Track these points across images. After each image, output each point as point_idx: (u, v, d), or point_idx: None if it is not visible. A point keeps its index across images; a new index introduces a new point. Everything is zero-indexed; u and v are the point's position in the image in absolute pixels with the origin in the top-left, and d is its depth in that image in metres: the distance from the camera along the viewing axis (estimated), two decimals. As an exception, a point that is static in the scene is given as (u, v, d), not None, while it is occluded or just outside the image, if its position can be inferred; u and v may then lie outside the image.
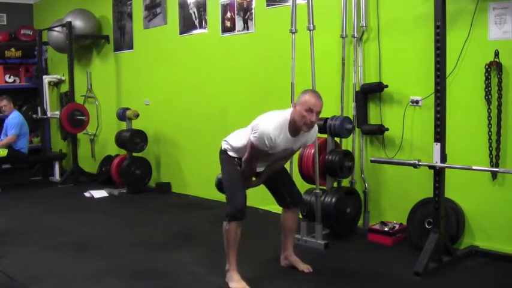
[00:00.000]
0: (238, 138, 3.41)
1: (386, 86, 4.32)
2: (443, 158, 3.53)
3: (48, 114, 7.77)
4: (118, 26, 7.20)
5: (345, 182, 4.52)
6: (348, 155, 4.31)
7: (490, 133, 3.74)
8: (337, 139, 4.40)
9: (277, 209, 3.79)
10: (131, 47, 7.02)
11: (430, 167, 3.57)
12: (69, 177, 7.22)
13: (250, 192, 3.42)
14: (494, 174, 3.76)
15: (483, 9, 3.74)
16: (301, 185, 4.44)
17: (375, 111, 4.48)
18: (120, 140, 6.48)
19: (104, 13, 7.43)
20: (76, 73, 7.41)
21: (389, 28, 4.35)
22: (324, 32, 4.48)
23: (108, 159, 7.02)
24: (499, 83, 3.69)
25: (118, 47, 7.25)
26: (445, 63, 3.57)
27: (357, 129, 4.51)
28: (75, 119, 7.12)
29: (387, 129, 4.35)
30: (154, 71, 6.69)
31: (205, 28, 5.94)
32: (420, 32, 4.08)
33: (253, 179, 3.49)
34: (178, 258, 3.95)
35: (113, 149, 6.94)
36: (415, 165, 3.62)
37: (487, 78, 3.72)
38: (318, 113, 3.16)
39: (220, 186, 3.51)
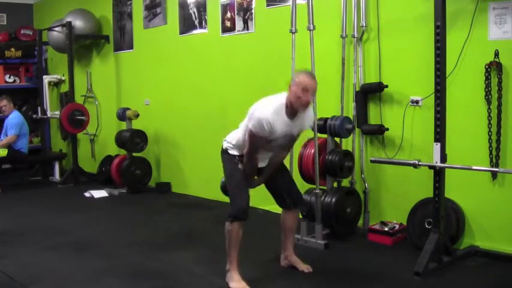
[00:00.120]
0: (237, 135, 3.41)
1: (387, 86, 4.33)
2: (443, 158, 3.53)
3: (48, 114, 7.77)
4: (118, 26, 7.20)
5: (345, 182, 4.52)
6: (348, 155, 4.31)
7: (490, 133, 3.74)
8: (337, 139, 4.40)
9: (277, 209, 3.79)
10: (131, 47, 7.02)
11: (430, 167, 3.57)
12: (69, 177, 7.22)
13: (250, 192, 3.41)
14: (494, 174, 3.76)
15: (483, 9, 3.74)
16: (301, 185, 4.44)
17: (375, 111, 4.48)
18: (120, 140, 6.48)
19: (104, 13, 7.43)
20: (76, 73, 7.41)
21: (389, 28, 4.35)
22: (324, 32, 4.48)
23: (108, 159, 7.02)
24: (499, 83, 3.69)
25: (118, 47, 7.25)
26: (445, 63, 3.57)
27: (357, 129, 4.51)
28: (75, 119, 7.12)
29: (387, 129, 4.35)
30: (154, 71, 6.69)
31: (205, 28, 5.94)
32: (420, 32, 4.08)
33: (256, 177, 3.48)
34: (178, 258, 3.95)
35: (113, 149, 6.94)
36: (415, 165, 3.62)
37: (487, 78, 3.72)
38: (313, 92, 3.20)
39: (225, 189, 3.51)
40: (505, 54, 3.66)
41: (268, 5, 5.23)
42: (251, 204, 3.40)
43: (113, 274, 3.65)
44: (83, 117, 7.18)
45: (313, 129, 4.17)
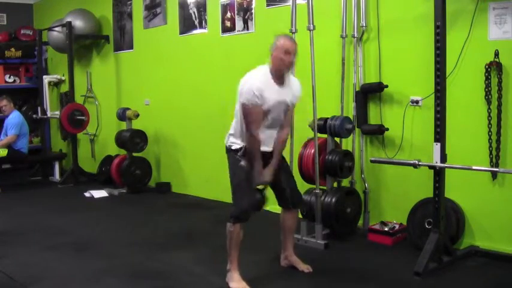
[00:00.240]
0: (234, 124, 3.40)
1: (387, 86, 4.33)
2: (443, 158, 3.53)
3: (48, 114, 7.77)
4: (118, 26, 7.21)
5: (345, 182, 4.52)
6: (348, 155, 4.31)
7: (490, 133, 3.74)
8: (337, 139, 4.40)
9: (277, 209, 3.79)
10: (131, 47, 7.02)
11: (430, 167, 3.57)
12: (69, 177, 7.22)
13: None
14: (494, 174, 3.76)
15: (483, 9, 3.74)
16: (301, 185, 4.44)
17: (375, 111, 4.48)
18: (120, 140, 6.48)
19: (104, 13, 7.43)
20: (76, 73, 7.41)
21: (389, 28, 4.35)
22: (324, 32, 4.48)
23: (108, 159, 7.02)
24: (499, 83, 3.69)
25: (118, 47, 7.25)
26: (445, 63, 3.57)
27: (357, 129, 4.51)
28: (75, 119, 7.12)
29: (387, 129, 4.35)
30: (154, 71, 6.69)
31: (205, 28, 5.94)
32: (420, 32, 4.08)
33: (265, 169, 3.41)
34: (178, 258, 3.95)
35: (113, 149, 6.94)
36: (415, 165, 3.62)
37: (487, 78, 3.72)
38: (294, 54, 3.30)
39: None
40: (505, 54, 3.66)
41: (268, 5, 5.23)
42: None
43: (113, 274, 3.65)
44: (83, 117, 7.18)
45: (313, 129, 4.17)
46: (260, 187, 3.40)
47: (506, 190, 3.74)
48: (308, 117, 4.33)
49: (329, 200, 4.19)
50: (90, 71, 7.77)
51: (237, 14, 5.52)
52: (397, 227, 4.20)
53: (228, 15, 5.62)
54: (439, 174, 3.55)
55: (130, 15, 6.97)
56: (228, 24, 5.64)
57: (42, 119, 7.91)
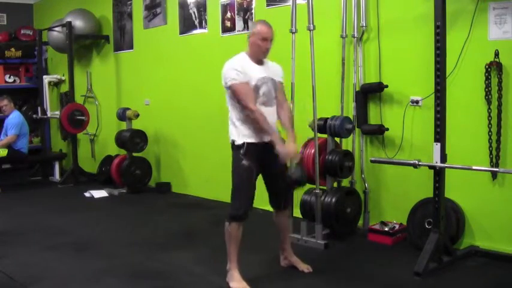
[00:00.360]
0: (231, 114, 3.38)
1: (387, 86, 4.32)
2: (443, 158, 3.53)
3: (48, 114, 7.77)
4: (118, 26, 7.21)
5: (345, 182, 4.52)
6: (348, 155, 4.31)
7: (490, 133, 3.74)
8: (337, 139, 4.40)
9: (277, 209, 3.79)
10: (131, 47, 7.02)
11: (430, 167, 3.57)
12: (69, 177, 7.22)
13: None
14: (494, 174, 3.76)
15: (483, 9, 3.74)
16: (301, 185, 4.45)
17: (375, 111, 4.48)
18: (120, 140, 6.48)
19: (104, 13, 7.43)
20: (76, 73, 7.41)
21: (389, 28, 4.35)
22: (324, 32, 4.48)
23: (108, 159, 7.02)
24: (499, 83, 3.69)
25: (118, 47, 7.25)
26: (445, 63, 3.57)
27: (357, 129, 4.51)
28: (75, 119, 7.12)
29: (387, 129, 4.35)
30: (154, 71, 6.69)
31: (205, 28, 5.94)
32: (420, 32, 4.08)
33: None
34: (178, 258, 3.95)
35: (113, 149, 6.94)
36: (415, 165, 3.62)
37: (487, 78, 3.72)
38: (271, 40, 3.38)
39: (295, 181, 3.42)
40: (505, 54, 3.66)
41: (268, 5, 5.23)
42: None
43: (113, 274, 3.65)
44: (83, 117, 7.19)
45: (313, 129, 4.17)
46: (294, 163, 3.34)
47: (506, 190, 3.74)
48: (308, 117, 4.33)
49: (329, 200, 4.19)
50: (90, 71, 7.77)
51: (237, 14, 5.52)
52: (397, 227, 4.20)
53: (228, 15, 5.62)
54: (439, 174, 3.55)
55: (130, 15, 6.97)
56: (228, 24, 5.64)
57: (42, 119, 7.91)
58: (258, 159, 3.33)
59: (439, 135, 3.53)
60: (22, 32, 8.58)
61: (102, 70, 7.59)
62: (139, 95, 6.91)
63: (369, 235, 4.28)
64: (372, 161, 3.99)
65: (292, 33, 4.27)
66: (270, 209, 4.06)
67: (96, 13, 7.44)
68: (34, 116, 7.85)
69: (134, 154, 6.51)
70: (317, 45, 4.20)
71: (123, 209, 5.81)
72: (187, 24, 6.14)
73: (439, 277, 3.43)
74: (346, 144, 4.55)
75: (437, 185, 3.56)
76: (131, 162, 6.45)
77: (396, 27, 4.30)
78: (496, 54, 3.68)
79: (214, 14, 5.78)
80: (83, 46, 7.61)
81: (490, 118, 3.74)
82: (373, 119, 4.50)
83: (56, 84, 8.32)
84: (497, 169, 3.61)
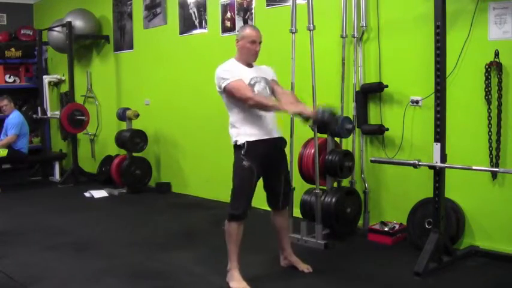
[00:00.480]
0: (231, 117, 3.39)
1: (387, 86, 4.32)
2: (443, 158, 3.53)
3: (48, 114, 7.77)
4: (118, 26, 7.20)
5: (345, 182, 4.52)
6: (348, 155, 4.31)
7: (490, 133, 3.74)
8: (337, 139, 4.40)
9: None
10: (131, 47, 7.02)
11: (430, 167, 3.57)
12: (69, 177, 7.22)
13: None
14: (494, 174, 3.76)
15: (483, 9, 3.74)
16: (301, 185, 4.45)
17: (375, 111, 4.48)
18: (120, 140, 6.48)
19: (104, 13, 7.43)
20: (76, 73, 7.41)
21: (389, 28, 4.35)
22: (324, 32, 4.48)
23: (108, 159, 7.02)
24: (499, 83, 3.69)
25: (118, 47, 7.25)
26: (445, 63, 3.57)
27: (357, 129, 4.51)
28: (75, 119, 7.12)
29: (387, 129, 4.35)
30: (154, 71, 6.69)
31: (205, 28, 5.94)
32: (420, 32, 4.08)
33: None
34: (178, 258, 3.95)
35: (113, 149, 6.94)
36: (415, 165, 3.62)
37: (487, 78, 3.72)
38: (260, 42, 3.42)
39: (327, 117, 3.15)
40: (505, 54, 3.66)
41: (268, 5, 5.23)
42: (252, 204, 3.40)
43: (113, 274, 3.65)
44: (83, 117, 7.19)
45: (313, 129, 4.17)
46: (327, 109, 3.13)
47: (506, 190, 3.74)
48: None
49: (329, 200, 4.18)
50: (90, 71, 7.77)
51: (237, 14, 5.52)
52: (397, 227, 4.20)
53: (228, 15, 5.62)
54: (439, 174, 3.55)
55: (130, 15, 6.97)
56: (228, 24, 5.64)
57: (42, 119, 7.91)
58: (260, 159, 3.33)
59: (439, 135, 3.53)
60: (22, 32, 8.58)
61: (102, 70, 7.59)
62: (139, 95, 6.91)
63: (369, 235, 4.28)
64: (372, 161, 3.99)
65: (292, 33, 4.27)
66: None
67: (96, 13, 7.44)
68: (34, 116, 7.85)
69: (134, 154, 6.51)
70: (317, 45, 4.20)
71: (123, 209, 5.81)
72: (187, 24, 6.14)
73: (439, 277, 3.43)
74: (346, 144, 4.55)
75: (437, 185, 3.56)
76: (131, 162, 6.45)
77: (396, 27, 4.30)
78: (496, 54, 3.67)
79: (214, 14, 5.78)
80: (83, 46, 7.61)
81: (490, 118, 3.73)
82: (373, 119, 4.50)
83: (56, 84, 8.32)
84: (497, 169, 3.61)
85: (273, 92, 3.46)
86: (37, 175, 7.85)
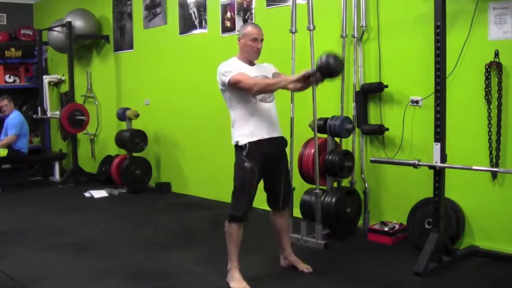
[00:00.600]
0: (233, 115, 3.38)
1: (387, 86, 4.32)
2: (443, 158, 3.53)
3: (48, 114, 7.77)
4: (118, 26, 7.21)
5: (345, 182, 4.52)
6: (348, 155, 4.31)
7: (490, 133, 3.74)
8: (337, 139, 4.40)
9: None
10: (131, 47, 7.02)
11: (430, 167, 3.57)
12: (69, 177, 7.22)
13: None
14: (494, 174, 3.76)
15: (483, 9, 3.74)
16: (301, 185, 4.46)
17: (375, 111, 4.48)
18: (120, 140, 6.48)
19: (104, 13, 7.43)
20: (76, 73, 7.41)
21: (389, 28, 4.35)
22: (324, 32, 4.48)
23: (108, 159, 7.02)
24: (499, 83, 3.69)
25: (118, 47, 7.25)
26: (445, 63, 3.57)
27: (357, 129, 4.51)
28: (75, 119, 7.12)
29: (387, 129, 4.35)
30: (154, 71, 6.69)
31: (205, 28, 5.94)
32: (420, 32, 4.08)
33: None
34: (178, 258, 3.95)
35: (113, 149, 6.94)
36: (415, 165, 3.62)
37: (487, 78, 3.72)
38: (262, 40, 3.41)
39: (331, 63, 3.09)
40: (505, 54, 3.66)
41: (268, 5, 5.23)
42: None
43: (113, 274, 3.65)
44: (83, 117, 7.19)
45: (313, 129, 4.17)
46: (330, 54, 3.08)
47: (506, 190, 3.74)
48: (308, 117, 4.33)
49: (329, 200, 4.18)
50: (90, 71, 7.78)
51: (237, 14, 5.52)
52: (397, 227, 4.20)
53: (228, 15, 5.62)
54: (439, 174, 3.55)
55: (130, 15, 6.97)
56: (228, 24, 5.64)
57: (42, 119, 7.91)
58: (261, 159, 3.32)
59: (439, 135, 3.53)
60: (22, 32, 8.58)
61: (102, 70, 7.59)
62: (139, 95, 6.91)
63: (369, 235, 4.28)
64: (372, 161, 3.99)
65: (292, 33, 4.27)
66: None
67: (96, 13, 7.44)
68: (34, 116, 7.85)
69: (134, 154, 6.51)
70: (317, 45, 4.19)
71: (123, 209, 5.81)
72: (187, 24, 6.14)
73: (439, 277, 3.43)
74: (346, 144, 4.55)
75: (437, 185, 3.56)
76: (131, 162, 6.45)
77: (396, 27, 4.30)
78: (496, 54, 3.67)
79: (214, 14, 5.78)
80: (83, 46, 7.62)
81: (490, 118, 3.74)
82: (373, 119, 4.50)
83: (56, 84, 8.32)
84: (497, 169, 3.61)
85: None
86: (37, 175, 7.86)
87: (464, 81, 3.88)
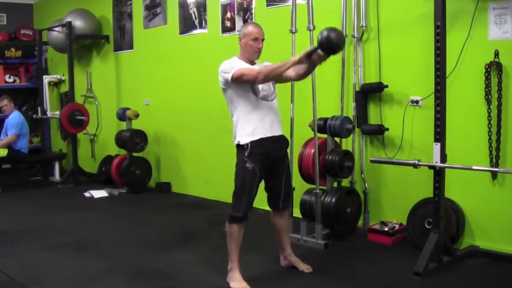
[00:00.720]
0: (235, 116, 3.37)
1: (387, 86, 4.33)
2: (443, 158, 3.53)
3: (48, 114, 7.77)
4: (118, 26, 7.21)
5: (345, 182, 4.52)
6: (348, 155, 4.31)
7: (490, 133, 3.74)
8: (337, 139, 4.40)
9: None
10: (131, 47, 7.02)
11: (430, 167, 3.57)
12: (69, 177, 7.22)
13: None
14: (494, 174, 3.76)
15: (483, 9, 3.74)
16: (301, 185, 4.46)
17: (375, 111, 4.48)
18: (120, 140, 6.48)
19: (104, 13, 7.43)
20: (76, 73, 7.41)
21: (389, 28, 4.35)
22: (324, 32, 4.47)
23: (108, 159, 7.02)
24: (499, 83, 3.69)
25: (118, 47, 7.25)
26: (445, 63, 3.57)
27: (357, 129, 4.51)
28: (75, 119, 7.12)
29: (387, 129, 4.35)
30: (154, 71, 6.69)
31: (205, 28, 5.94)
32: (420, 32, 4.08)
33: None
34: (178, 258, 3.95)
35: (113, 149, 6.94)
36: (415, 165, 3.62)
37: (487, 78, 3.72)
38: (263, 39, 3.41)
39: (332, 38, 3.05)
40: (505, 54, 3.66)
41: (268, 5, 5.23)
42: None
43: (113, 274, 3.65)
44: (83, 117, 7.19)
45: (313, 129, 4.17)
46: (331, 28, 3.06)
47: (506, 190, 3.74)
48: (308, 117, 4.33)
49: (329, 200, 4.19)
50: (90, 71, 7.78)
51: (237, 14, 5.52)
52: (397, 227, 4.20)
53: (228, 15, 5.62)
54: (439, 174, 3.55)
55: (130, 15, 6.97)
56: (228, 24, 5.64)
57: (42, 119, 7.91)
58: (262, 159, 3.32)
59: (439, 135, 3.53)
60: (22, 32, 8.59)
61: (102, 70, 7.59)
62: (139, 95, 6.91)
63: (368, 235, 4.28)
64: (371, 161, 3.99)
65: (292, 33, 4.27)
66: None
67: (96, 13, 7.44)
68: (34, 116, 7.85)
69: (134, 154, 6.51)
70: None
71: (123, 209, 5.81)
72: (187, 24, 6.14)
73: (439, 277, 3.43)
74: (346, 144, 4.55)
75: (437, 185, 3.56)
76: (131, 162, 6.45)
77: (396, 27, 4.30)
78: (496, 54, 3.68)
79: (214, 14, 5.78)
80: (83, 46, 7.62)
81: (490, 118, 3.74)
82: (373, 119, 4.50)
83: (56, 84, 8.32)
84: (497, 169, 3.61)
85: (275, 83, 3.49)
86: (37, 175, 7.86)
87: (464, 81, 3.88)
